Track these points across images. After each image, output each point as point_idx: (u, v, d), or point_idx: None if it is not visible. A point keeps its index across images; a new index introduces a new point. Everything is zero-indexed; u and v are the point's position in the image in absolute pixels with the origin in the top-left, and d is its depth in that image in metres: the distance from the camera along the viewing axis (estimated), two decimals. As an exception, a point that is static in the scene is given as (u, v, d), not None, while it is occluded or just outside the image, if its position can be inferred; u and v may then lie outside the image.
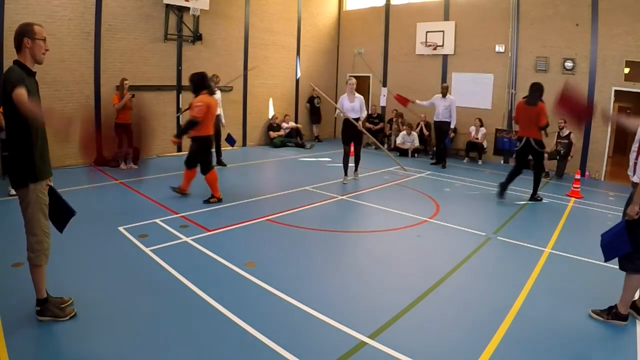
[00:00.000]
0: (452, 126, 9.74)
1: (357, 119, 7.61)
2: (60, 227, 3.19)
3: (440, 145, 10.00)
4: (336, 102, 7.91)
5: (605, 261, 3.36)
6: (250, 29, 11.37)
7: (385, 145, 12.50)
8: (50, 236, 2.95)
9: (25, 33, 2.74)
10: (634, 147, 3.25)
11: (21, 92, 2.58)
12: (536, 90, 6.69)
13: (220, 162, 8.86)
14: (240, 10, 11.10)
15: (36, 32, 2.77)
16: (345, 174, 7.86)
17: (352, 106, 7.57)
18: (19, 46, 2.76)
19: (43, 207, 2.87)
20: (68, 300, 3.16)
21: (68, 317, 2.96)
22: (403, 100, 9.74)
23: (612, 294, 3.78)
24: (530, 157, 6.99)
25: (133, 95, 7.98)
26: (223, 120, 8.86)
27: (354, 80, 7.70)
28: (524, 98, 6.94)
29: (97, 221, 5.12)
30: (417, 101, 10.04)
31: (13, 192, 8.12)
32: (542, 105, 6.62)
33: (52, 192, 3.00)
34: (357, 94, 7.63)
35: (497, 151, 10.89)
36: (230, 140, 8.98)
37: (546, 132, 6.99)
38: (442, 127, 9.81)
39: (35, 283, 2.90)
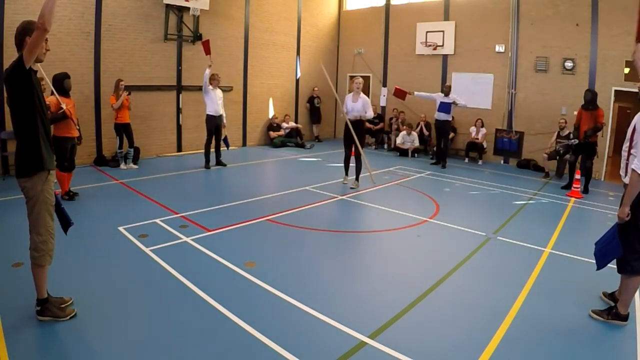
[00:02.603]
0: (458, 103, 9.57)
1: (360, 120, 7.31)
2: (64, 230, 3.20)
3: (440, 144, 9.98)
4: (342, 99, 7.72)
5: (597, 269, 3.34)
6: (250, 29, 11.37)
7: (386, 145, 12.55)
8: (55, 237, 2.96)
9: (27, 31, 2.72)
10: (625, 147, 3.22)
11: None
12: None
13: (219, 162, 8.87)
14: (240, 10, 11.10)
15: None
16: (346, 174, 7.70)
17: (353, 106, 7.27)
18: (20, 44, 2.75)
19: (50, 207, 2.87)
20: (68, 300, 3.16)
21: (68, 317, 2.96)
22: (402, 94, 9.50)
23: (612, 294, 3.79)
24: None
25: (129, 93, 7.99)
26: (225, 121, 8.84)
27: (360, 79, 7.35)
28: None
29: (97, 221, 5.13)
30: (416, 92, 9.99)
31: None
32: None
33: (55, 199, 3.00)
34: (362, 95, 7.32)
35: (497, 151, 10.90)
36: (226, 143, 9.01)
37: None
38: (442, 127, 9.79)
39: (36, 283, 2.90)
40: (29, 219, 2.85)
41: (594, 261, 3.42)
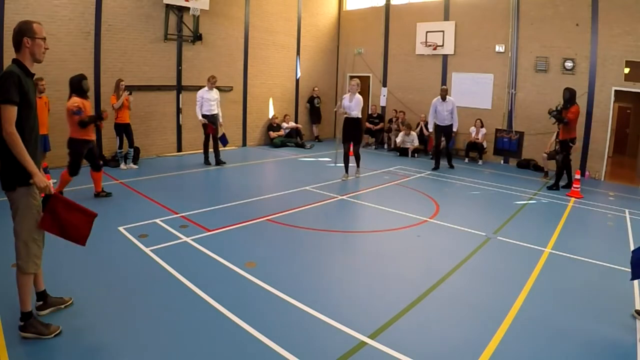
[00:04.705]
0: (454, 129, 9.56)
1: (356, 119, 7.79)
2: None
3: (440, 147, 9.77)
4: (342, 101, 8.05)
5: (632, 279, 3.26)
6: (250, 29, 11.37)
7: (386, 145, 12.55)
8: (43, 242, 2.80)
9: (24, 32, 2.65)
10: None
11: (10, 111, 2.51)
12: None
13: (218, 162, 8.96)
14: (240, 10, 11.09)
15: (36, 31, 2.69)
16: (346, 172, 8.06)
17: (350, 105, 7.73)
18: (18, 45, 2.67)
19: (34, 212, 2.71)
20: (68, 300, 3.16)
21: (52, 335, 2.75)
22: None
23: (612, 293, 3.80)
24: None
25: (130, 93, 8.00)
26: (221, 120, 9.01)
27: (356, 81, 7.84)
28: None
29: (97, 221, 5.08)
30: (429, 127, 9.76)
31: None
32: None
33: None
34: (356, 95, 7.74)
35: (497, 151, 10.89)
36: (223, 140, 9.12)
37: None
38: (446, 130, 9.50)
39: (20, 294, 2.73)
40: (14, 224, 2.69)
41: (595, 261, 3.42)
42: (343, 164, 8.14)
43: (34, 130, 2.73)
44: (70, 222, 2.83)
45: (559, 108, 7.80)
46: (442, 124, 9.49)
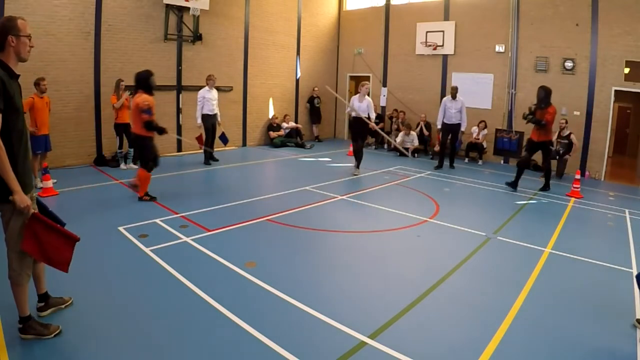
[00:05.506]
0: (462, 129, 9.51)
1: (362, 119, 8.13)
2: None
3: (445, 147, 9.72)
4: (348, 102, 8.39)
5: None
6: (250, 29, 11.37)
7: (385, 145, 12.56)
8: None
9: (9, 30, 2.46)
10: None
11: None
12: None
13: (212, 157, 9.13)
14: (240, 10, 11.09)
15: (21, 28, 2.51)
16: (357, 167, 8.59)
17: (359, 106, 8.11)
18: (1, 45, 2.47)
19: (26, 221, 2.59)
20: (68, 300, 3.16)
21: (52, 335, 2.76)
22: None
23: (612, 293, 3.80)
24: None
25: (131, 93, 8.00)
26: (219, 119, 9.18)
27: (368, 84, 8.43)
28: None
29: (97, 221, 5.12)
30: (438, 124, 9.73)
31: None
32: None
33: (38, 203, 2.81)
34: (367, 97, 8.24)
35: (497, 151, 10.88)
36: (224, 139, 9.24)
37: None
38: (453, 129, 9.47)
39: (17, 302, 2.71)
40: (5, 234, 2.61)
41: (595, 261, 3.42)
42: (355, 162, 8.59)
43: (23, 136, 2.57)
44: (50, 244, 2.70)
45: (532, 110, 7.51)
46: (449, 122, 9.47)
